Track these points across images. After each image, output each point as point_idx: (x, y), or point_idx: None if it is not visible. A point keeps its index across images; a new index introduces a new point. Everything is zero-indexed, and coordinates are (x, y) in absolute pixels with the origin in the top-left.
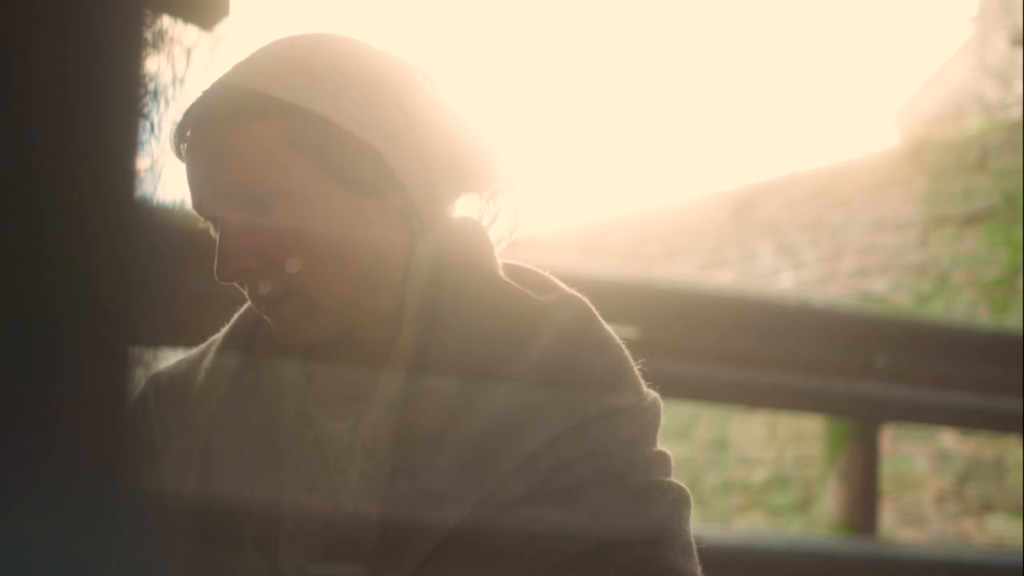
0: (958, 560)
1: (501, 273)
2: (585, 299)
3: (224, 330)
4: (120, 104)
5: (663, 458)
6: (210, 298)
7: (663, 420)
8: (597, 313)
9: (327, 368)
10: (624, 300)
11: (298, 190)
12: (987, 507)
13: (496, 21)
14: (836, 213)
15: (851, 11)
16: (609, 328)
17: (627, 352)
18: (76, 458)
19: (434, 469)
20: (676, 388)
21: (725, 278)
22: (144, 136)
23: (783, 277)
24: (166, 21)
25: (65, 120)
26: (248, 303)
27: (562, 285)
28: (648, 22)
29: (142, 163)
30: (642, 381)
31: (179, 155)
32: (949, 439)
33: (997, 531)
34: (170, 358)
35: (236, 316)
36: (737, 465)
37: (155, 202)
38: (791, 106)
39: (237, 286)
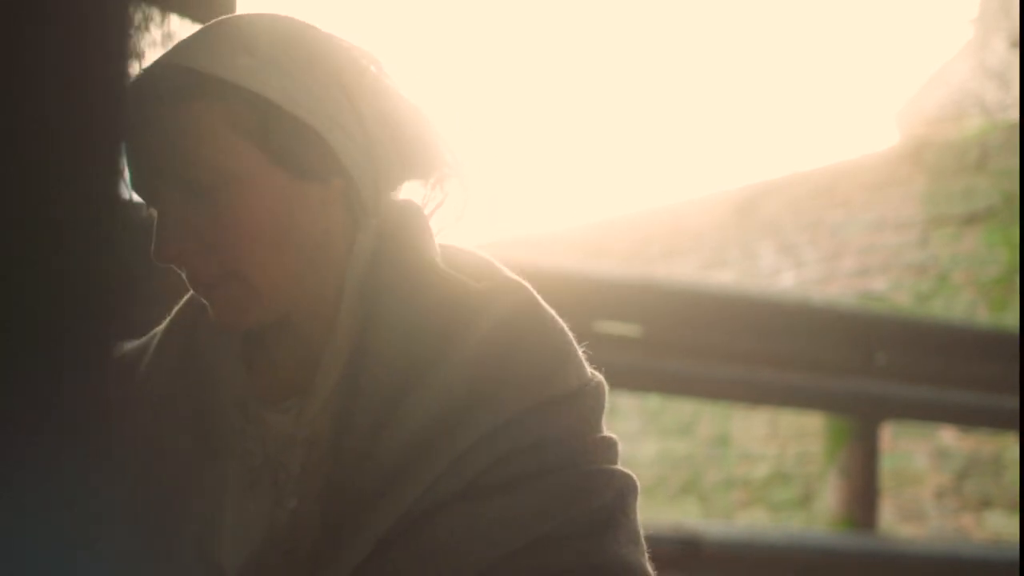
0: (957, 555)
1: (439, 261)
2: (526, 284)
3: (165, 322)
4: (104, 101)
5: (607, 444)
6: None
7: (607, 404)
8: (539, 299)
9: (266, 358)
10: (626, 299)
11: (239, 173)
12: (985, 503)
13: (499, 21)
14: (836, 213)
15: (852, 12)
16: (551, 313)
17: (569, 336)
18: (65, 453)
19: (372, 465)
20: (678, 386)
21: (726, 278)
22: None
23: (784, 277)
24: (174, 21)
25: (50, 118)
26: (190, 292)
27: (504, 270)
28: (651, 22)
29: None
30: (586, 365)
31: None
32: (948, 436)
33: (995, 527)
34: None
35: (177, 307)
36: (739, 461)
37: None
38: (792, 107)
39: (176, 269)
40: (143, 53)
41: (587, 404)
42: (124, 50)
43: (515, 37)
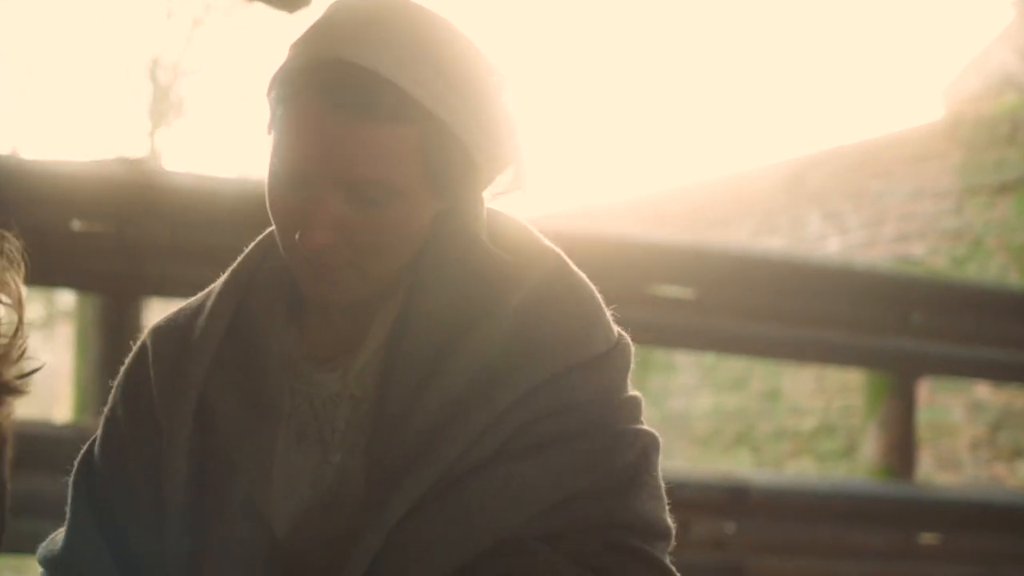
0: (990, 502)
1: (483, 235)
2: (558, 252)
3: (219, 284)
4: None
5: (633, 403)
6: (216, 254)
7: (633, 363)
8: (570, 266)
9: (318, 320)
10: (680, 264)
11: (405, 190)
12: (1018, 453)
13: None
14: (878, 183)
15: None
16: (581, 278)
17: (598, 300)
18: None
19: (412, 423)
20: (728, 344)
21: (776, 244)
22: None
23: (830, 242)
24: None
25: None
26: (244, 257)
27: (540, 236)
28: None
29: None
30: (613, 326)
31: (276, 113)
32: (983, 391)
33: None
34: (170, 309)
35: (230, 271)
36: (788, 414)
37: None
38: (840, 83)
39: (279, 231)
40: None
41: (615, 366)
42: None
43: (575, 10)
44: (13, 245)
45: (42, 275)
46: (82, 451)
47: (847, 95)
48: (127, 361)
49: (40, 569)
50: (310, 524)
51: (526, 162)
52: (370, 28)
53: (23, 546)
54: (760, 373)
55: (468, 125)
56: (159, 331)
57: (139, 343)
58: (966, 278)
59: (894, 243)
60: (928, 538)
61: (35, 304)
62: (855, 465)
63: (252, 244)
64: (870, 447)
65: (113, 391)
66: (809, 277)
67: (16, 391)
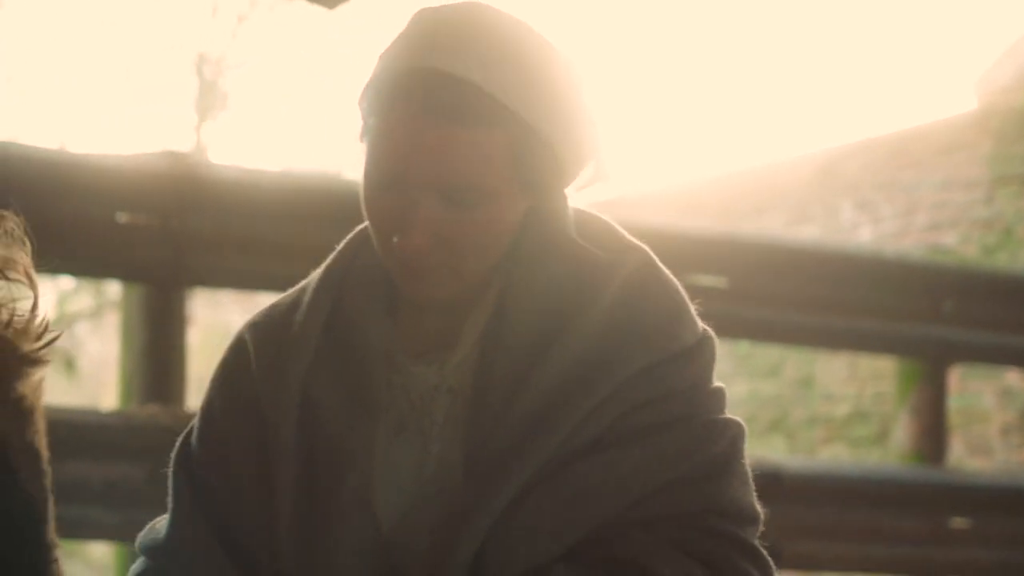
0: (1020, 486)
1: (573, 232)
2: (646, 248)
3: (315, 279)
4: None
5: (720, 394)
6: (293, 249)
7: (718, 355)
8: (657, 261)
9: (414, 315)
10: (713, 253)
11: (497, 192)
12: None
13: None
14: (909, 173)
15: None
16: (668, 273)
17: (684, 294)
18: None
19: (512, 415)
20: (761, 332)
21: (810, 233)
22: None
23: (863, 231)
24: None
25: None
26: (337, 254)
27: (625, 234)
28: None
29: None
30: (698, 319)
31: (368, 122)
32: (1013, 377)
33: None
34: (264, 303)
35: (324, 267)
36: (821, 401)
37: None
38: (872, 74)
39: (375, 233)
40: None
41: (703, 358)
42: None
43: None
44: (16, 223)
45: (88, 266)
46: (178, 443)
47: (880, 86)
48: (223, 355)
49: (140, 557)
50: (414, 514)
51: (606, 156)
52: (457, 37)
53: (71, 532)
54: (794, 361)
55: (554, 126)
56: (257, 326)
57: (235, 338)
58: (996, 266)
59: (926, 232)
60: (959, 522)
61: (85, 294)
62: (887, 451)
63: (344, 241)
64: (902, 433)
65: (209, 385)
66: (840, 266)
67: (37, 362)
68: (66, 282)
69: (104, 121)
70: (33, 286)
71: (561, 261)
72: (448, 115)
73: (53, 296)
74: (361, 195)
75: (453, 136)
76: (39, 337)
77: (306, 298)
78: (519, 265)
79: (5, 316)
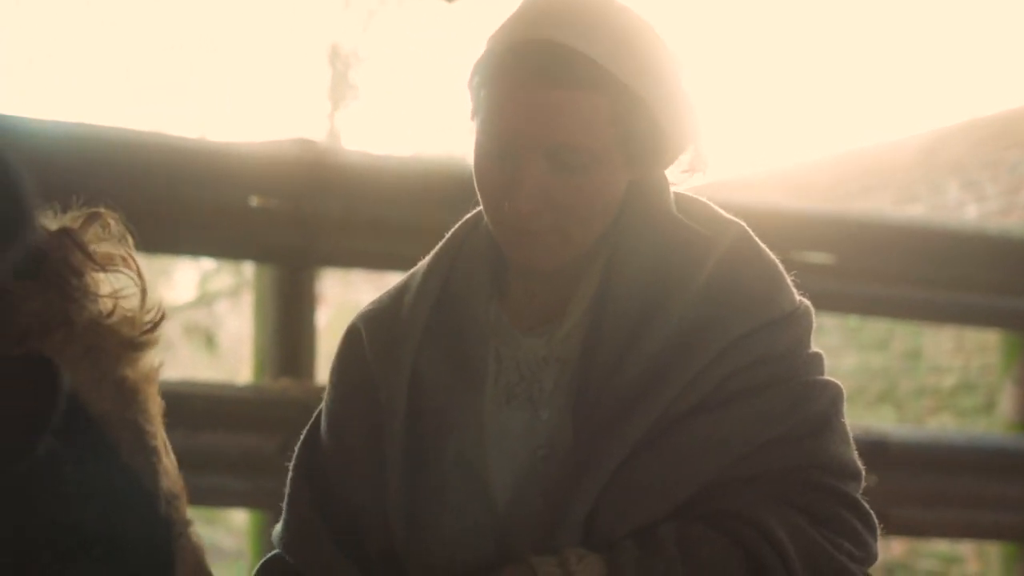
0: None
1: (674, 209)
2: (743, 224)
3: (424, 264)
4: None
5: (818, 358)
6: (418, 230)
7: (815, 324)
8: (753, 236)
9: (522, 289)
10: (821, 232)
11: (602, 156)
12: None
13: None
14: (1014, 152)
15: None
16: (764, 247)
17: (780, 266)
18: None
19: (619, 380)
20: (866, 307)
21: (916, 212)
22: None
23: (968, 210)
24: None
25: None
26: (450, 236)
27: (723, 212)
28: None
29: None
30: (794, 290)
31: (478, 96)
32: None
33: None
34: (375, 294)
35: (436, 251)
36: (929, 372)
37: None
38: (975, 55)
39: (486, 203)
40: None
41: (801, 324)
42: None
43: None
44: (115, 219)
45: (225, 247)
46: (303, 435)
47: (985, 67)
48: (338, 348)
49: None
50: (526, 477)
51: (706, 144)
52: (564, 11)
53: (208, 500)
54: (902, 334)
55: (656, 97)
56: (368, 316)
57: (348, 329)
58: None
59: None
60: None
61: (225, 274)
62: (994, 421)
63: (457, 225)
64: (1006, 403)
65: (328, 381)
66: (944, 242)
67: (139, 347)
68: (207, 263)
69: (242, 110)
70: (138, 277)
71: (663, 234)
72: (553, 79)
73: (196, 276)
74: (472, 169)
75: (557, 98)
76: (147, 324)
77: (415, 282)
78: (623, 238)
79: (109, 306)
